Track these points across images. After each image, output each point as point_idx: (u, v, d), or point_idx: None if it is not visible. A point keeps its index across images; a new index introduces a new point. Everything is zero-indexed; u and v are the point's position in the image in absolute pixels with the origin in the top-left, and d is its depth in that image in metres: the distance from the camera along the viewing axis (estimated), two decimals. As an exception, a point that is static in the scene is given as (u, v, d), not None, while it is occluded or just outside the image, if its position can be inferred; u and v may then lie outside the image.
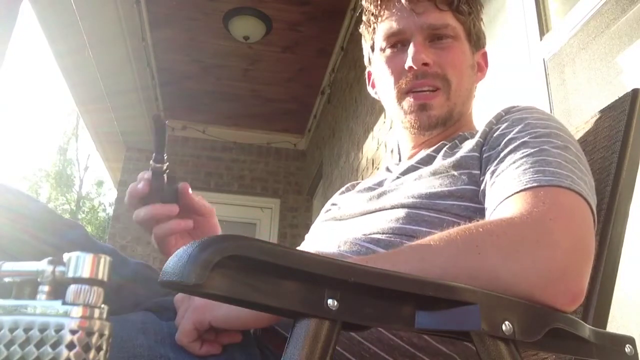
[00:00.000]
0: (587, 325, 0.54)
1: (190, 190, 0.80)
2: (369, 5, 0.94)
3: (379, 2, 0.92)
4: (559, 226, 0.58)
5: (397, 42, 0.90)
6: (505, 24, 1.93)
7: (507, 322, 0.46)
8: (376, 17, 0.93)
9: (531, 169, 0.65)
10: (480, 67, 0.97)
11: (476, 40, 0.94)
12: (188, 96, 4.87)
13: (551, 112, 1.55)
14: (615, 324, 1.14)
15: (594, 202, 0.65)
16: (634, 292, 1.17)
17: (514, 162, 0.68)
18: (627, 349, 0.56)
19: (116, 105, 4.34)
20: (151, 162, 0.75)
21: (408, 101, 0.88)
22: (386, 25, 0.91)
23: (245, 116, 5.15)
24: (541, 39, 1.68)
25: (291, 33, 3.93)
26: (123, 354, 0.55)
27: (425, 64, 0.86)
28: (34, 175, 20.96)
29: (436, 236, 0.57)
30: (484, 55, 0.98)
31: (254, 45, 4.02)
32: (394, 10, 0.90)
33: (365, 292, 0.43)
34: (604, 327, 0.65)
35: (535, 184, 0.63)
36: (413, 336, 0.65)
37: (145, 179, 0.77)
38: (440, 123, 0.88)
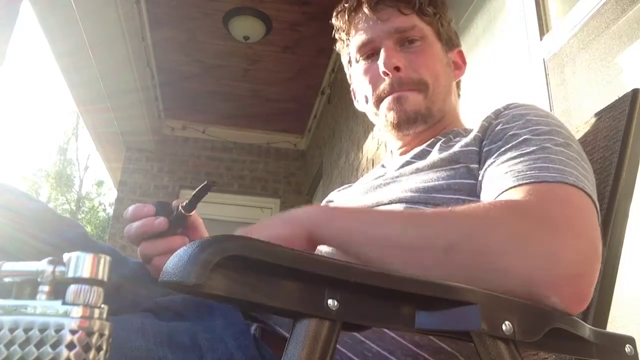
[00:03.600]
0: (587, 325, 0.54)
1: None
2: (338, 22, 0.97)
3: (346, 18, 0.94)
4: (573, 226, 0.58)
5: (369, 51, 0.92)
6: (505, 24, 1.93)
7: (507, 322, 0.46)
8: (347, 33, 0.95)
9: (535, 165, 0.65)
10: (457, 65, 0.98)
11: (447, 40, 0.95)
12: (188, 96, 4.87)
13: (551, 112, 1.55)
14: (615, 324, 1.14)
15: (596, 197, 0.65)
16: (634, 292, 1.17)
17: (517, 157, 0.68)
18: (627, 349, 0.56)
19: (116, 105, 4.34)
20: (180, 206, 0.74)
21: (386, 101, 0.89)
22: (357, 38, 0.93)
23: (245, 116, 5.15)
24: (541, 39, 1.68)
25: (291, 33, 3.93)
26: (120, 355, 0.55)
27: (397, 68, 0.87)
28: (34, 175, 20.97)
29: (457, 215, 0.59)
30: (460, 53, 0.99)
31: (254, 45, 4.02)
32: (361, 23, 0.92)
33: (365, 292, 0.43)
34: (604, 327, 0.65)
35: (540, 180, 0.62)
36: (415, 334, 0.65)
37: (162, 218, 0.73)
38: (420, 119, 0.89)
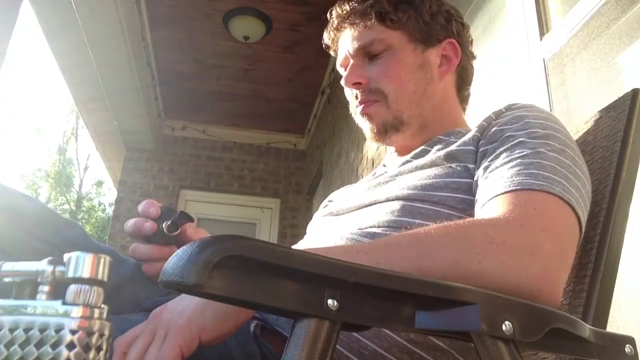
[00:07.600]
0: (587, 325, 0.54)
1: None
2: (326, 41, 1.00)
3: (331, 36, 0.98)
4: (549, 237, 0.60)
5: (345, 67, 0.95)
6: (505, 24, 1.93)
7: (507, 322, 0.46)
8: (334, 50, 1.00)
9: (525, 171, 0.66)
10: (448, 58, 0.94)
11: (426, 37, 0.92)
12: (188, 96, 4.87)
13: (551, 112, 1.54)
14: (615, 324, 1.14)
15: (583, 210, 0.66)
16: (634, 292, 1.17)
17: (510, 161, 0.69)
18: (627, 349, 0.56)
19: (116, 105, 4.34)
20: (164, 225, 0.76)
21: (358, 115, 0.93)
22: (338, 54, 0.97)
23: (245, 116, 5.15)
24: (541, 39, 1.68)
25: (291, 33, 3.93)
26: None
27: (357, 83, 0.91)
28: (34, 175, 20.96)
29: (435, 233, 0.58)
30: (450, 44, 0.94)
31: (254, 45, 4.02)
32: (338, 41, 0.97)
33: (365, 292, 0.43)
34: (604, 327, 0.65)
35: (527, 187, 0.63)
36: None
37: (151, 223, 0.75)
38: (390, 129, 0.91)
